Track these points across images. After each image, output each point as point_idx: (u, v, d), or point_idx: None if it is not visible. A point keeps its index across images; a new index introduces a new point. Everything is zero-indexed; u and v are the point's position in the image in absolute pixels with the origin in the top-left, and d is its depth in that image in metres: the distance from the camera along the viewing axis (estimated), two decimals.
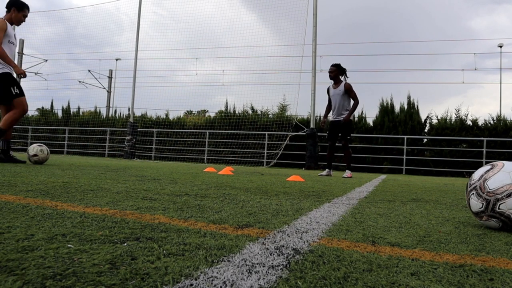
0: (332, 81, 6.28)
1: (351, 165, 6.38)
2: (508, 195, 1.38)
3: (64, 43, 19.45)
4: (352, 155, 12.05)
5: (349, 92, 6.07)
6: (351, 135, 6.35)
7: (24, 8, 4.69)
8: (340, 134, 6.20)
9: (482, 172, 1.52)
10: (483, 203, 1.45)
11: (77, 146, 15.10)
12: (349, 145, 6.20)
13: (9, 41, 4.59)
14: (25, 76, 4.65)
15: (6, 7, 4.67)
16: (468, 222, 1.65)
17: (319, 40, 10.47)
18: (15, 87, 4.51)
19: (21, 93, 4.56)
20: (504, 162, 1.50)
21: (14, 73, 4.62)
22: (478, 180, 1.50)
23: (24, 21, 4.76)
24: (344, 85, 6.09)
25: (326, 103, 6.44)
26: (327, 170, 6.26)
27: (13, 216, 1.22)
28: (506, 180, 1.40)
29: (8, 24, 4.57)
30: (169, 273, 0.72)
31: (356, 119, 12.36)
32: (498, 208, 1.40)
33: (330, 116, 6.45)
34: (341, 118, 6.14)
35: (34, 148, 4.63)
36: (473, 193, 1.51)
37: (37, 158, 4.63)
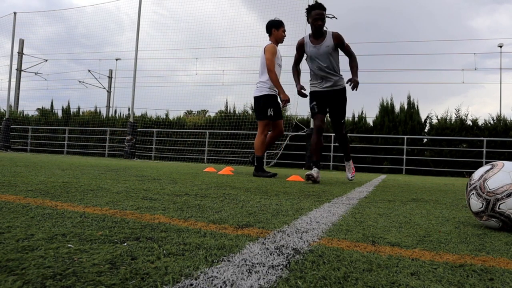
0: (310, 35, 3.94)
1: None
2: (508, 195, 1.37)
3: (64, 43, 19.52)
4: (352, 155, 12.09)
5: (344, 45, 3.92)
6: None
7: (282, 25, 4.84)
8: (332, 110, 4.05)
9: (482, 172, 1.52)
10: (483, 203, 1.45)
11: (77, 146, 15.09)
12: (350, 145, 4.70)
13: (277, 63, 4.71)
14: (288, 102, 4.62)
15: (267, 32, 4.86)
16: (468, 222, 1.65)
17: None
18: (271, 109, 4.58)
19: (276, 117, 4.61)
20: (504, 162, 1.50)
21: (278, 96, 4.68)
22: (478, 180, 1.50)
23: (285, 36, 4.86)
24: (333, 36, 3.86)
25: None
26: (315, 169, 3.88)
27: (13, 216, 1.22)
28: (506, 180, 1.40)
29: (276, 47, 4.70)
30: (169, 273, 0.72)
31: (356, 118, 12.32)
32: (498, 208, 1.40)
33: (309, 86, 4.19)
34: (338, 87, 3.97)
35: None
36: (473, 193, 1.51)
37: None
